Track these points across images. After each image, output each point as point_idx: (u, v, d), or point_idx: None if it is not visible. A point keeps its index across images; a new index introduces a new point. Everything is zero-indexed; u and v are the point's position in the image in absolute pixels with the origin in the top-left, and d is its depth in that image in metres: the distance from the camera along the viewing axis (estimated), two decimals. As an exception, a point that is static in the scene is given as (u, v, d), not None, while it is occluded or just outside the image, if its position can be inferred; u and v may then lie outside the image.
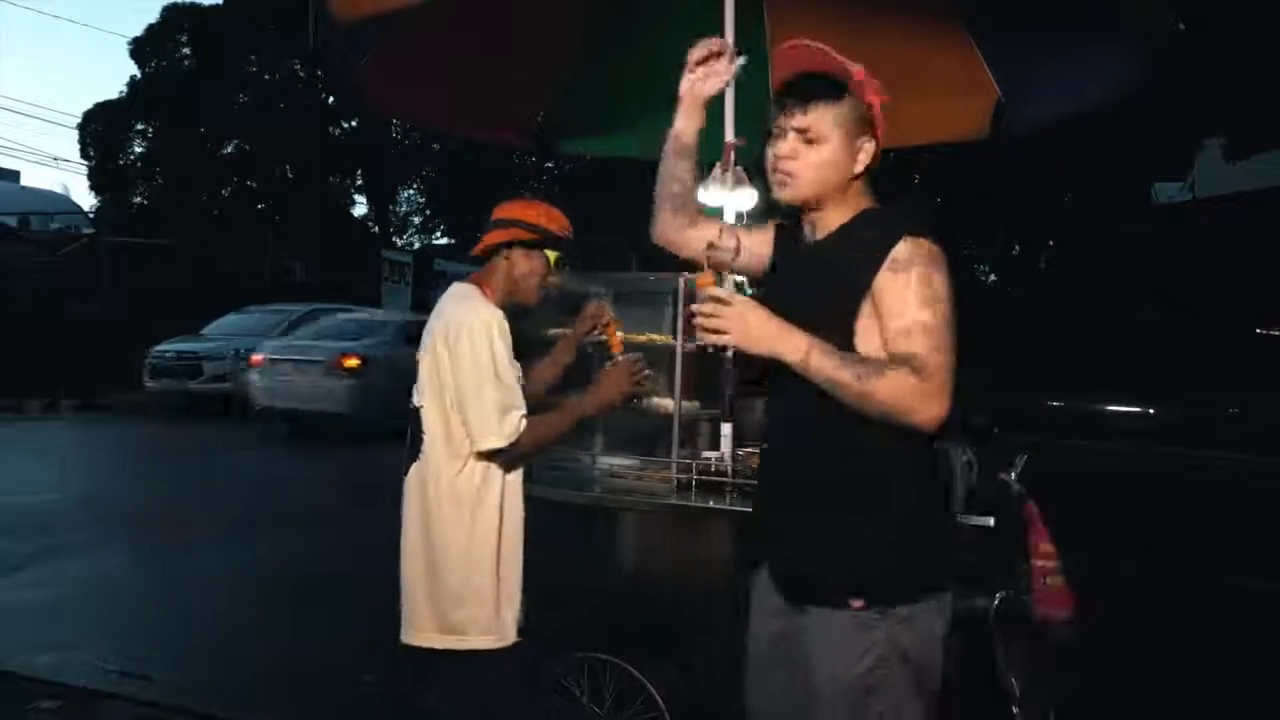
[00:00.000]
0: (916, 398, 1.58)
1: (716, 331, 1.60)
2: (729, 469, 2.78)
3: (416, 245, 31.93)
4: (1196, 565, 5.51)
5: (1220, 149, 11.99)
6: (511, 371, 2.18)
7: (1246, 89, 9.94)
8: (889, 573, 1.68)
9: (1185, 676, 4.04)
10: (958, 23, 3.43)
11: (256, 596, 5.16)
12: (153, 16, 31.84)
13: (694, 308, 1.60)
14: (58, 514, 6.84)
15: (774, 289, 1.86)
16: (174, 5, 27.15)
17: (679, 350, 2.89)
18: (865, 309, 1.66)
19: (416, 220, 33.02)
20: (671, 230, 2.03)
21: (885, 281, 1.63)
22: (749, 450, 2.92)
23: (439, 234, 33.27)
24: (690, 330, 1.69)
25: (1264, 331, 6.47)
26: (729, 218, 3.07)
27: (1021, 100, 3.51)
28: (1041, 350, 6.89)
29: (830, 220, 1.77)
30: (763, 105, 3.88)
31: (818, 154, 1.71)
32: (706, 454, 2.93)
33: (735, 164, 3.09)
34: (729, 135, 3.09)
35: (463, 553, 2.17)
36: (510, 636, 2.19)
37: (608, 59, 3.76)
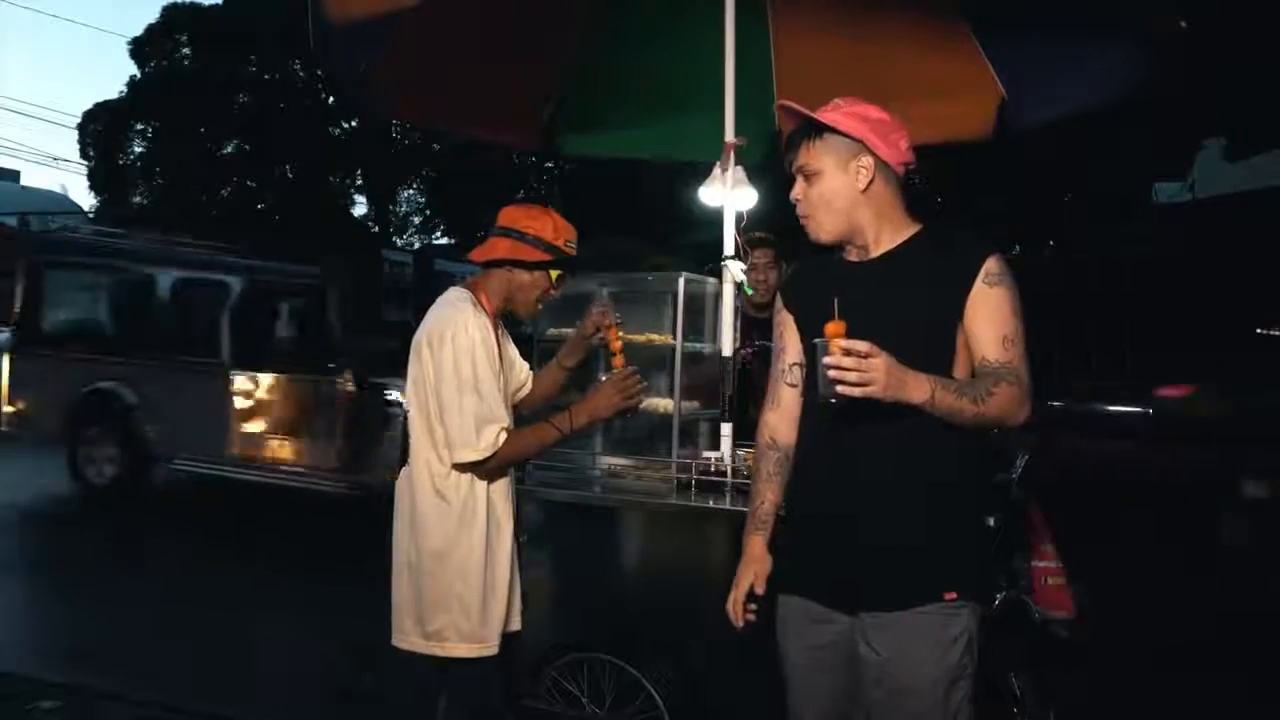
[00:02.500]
0: (1018, 405, 1.76)
1: (861, 385, 1.60)
2: (729, 469, 2.78)
3: (416, 245, 31.91)
4: (1196, 565, 5.51)
5: (1220, 149, 11.97)
6: (494, 383, 2.16)
7: (1246, 89, 9.93)
8: (975, 566, 1.85)
9: (1185, 676, 4.04)
10: (961, 23, 3.43)
11: (255, 597, 5.16)
12: (153, 16, 31.84)
13: (829, 360, 1.60)
14: (59, 513, 6.84)
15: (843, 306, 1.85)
16: (174, 5, 27.14)
17: (679, 350, 2.89)
18: (961, 320, 1.80)
19: (416, 220, 33.01)
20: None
21: (982, 293, 1.79)
22: (749, 450, 2.92)
23: (439, 234, 33.22)
24: (818, 381, 1.66)
25: (1264, 331, 6.47)
26: (729, 219, 3.06)
27: (1025, 100, 3.50)
28: (1042, 350, 6.87)
29: (883, 239, 1.88)
30: (762, 105, 3.88)
31: (818, 186, 1.86)
32: (706, 454, 2.92)
33: (735, 164, 3.08)
34: (729, 135, 3.09)
35: (446, 559, 2.16)
36: (492, 645, 2.19)
37: (610, 58, 3.76)
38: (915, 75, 3.43)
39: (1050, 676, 2.75)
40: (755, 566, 1.96)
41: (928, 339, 1.79)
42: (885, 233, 1.88)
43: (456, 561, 2.16)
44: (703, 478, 2.75)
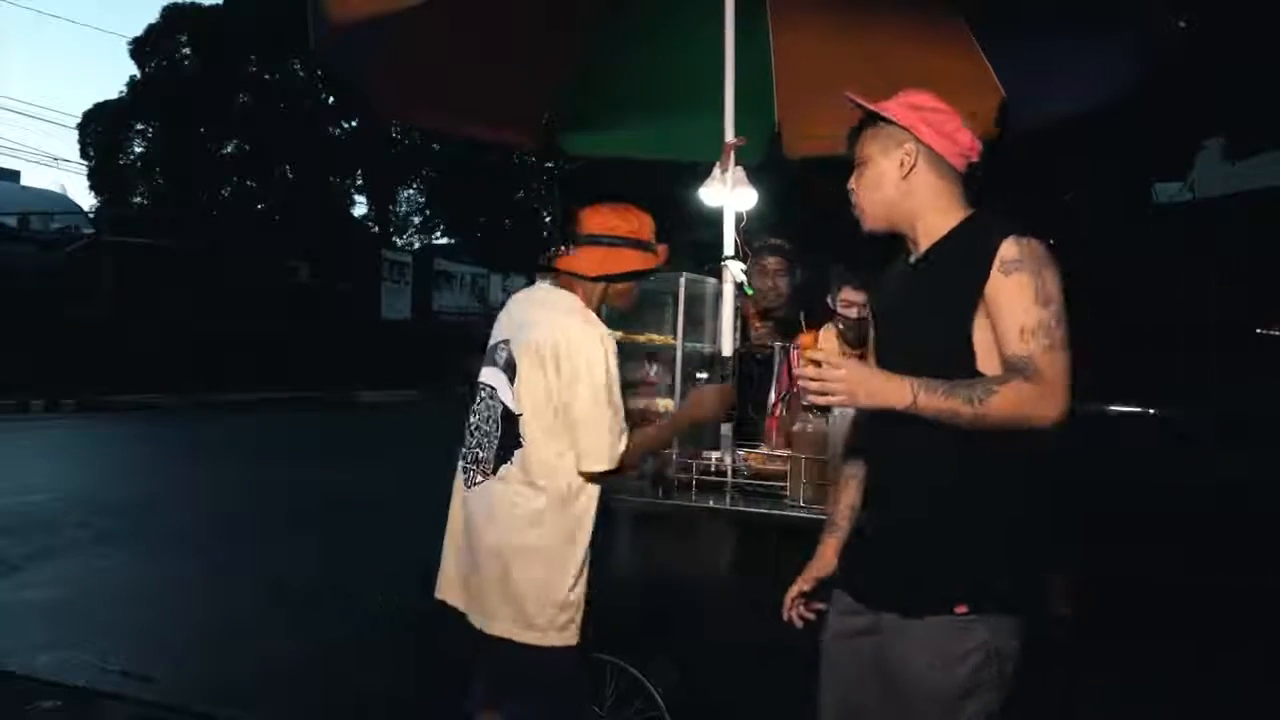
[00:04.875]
0: (1032, 404, 1.58)
1: (824, 394, 1.63)
2: (729, 469, 2.77)
3: (416, 245, 31.95)
4: (1196, 564, 5.52)
5: (1220, 149, 11.99)
6: (620, 393, 2.18)
7: (1246, 89, 9.94)
8: (997, 579, 1.71)
9: (1184, 676, 4.04)
10: (960, 22, 3.43)
11: (255, 597, 5.16)
12: (153, 16, 31.88)
13: (797, 371, 1.66)
14: (57, 514, 6.85)
15: (887, 315, 1.92)
16: (174, 5, 27.18)
17: (679, 350, 2.89)
18: (979, 314, 1.68)
19: (416, 220, 33.03)
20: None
21: (998, 283, 1.65)
22: (749, 450, 2.92)
23: (439, 234, 33.27)
24: (792, 389, 1.72)
25: (1264, 331, 6.47)
26: (729, 219, 3.06)
27: (1025, 100, 3.50)
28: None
29: (935, 232, 1.83)
30: (762, 106, 3.86)
31: (867, 175, 1.87)
32: (706, 454, 2.92)
33: (735, 164, 3.08)
34: (729, 135, 3.08)
35: (557, 554, 2.16)
36: (576, 636, 2.19)
37: (610, 58, 3.76)
38: (914, 75, 3.39)
39: (1050, 676, 2.75)
40: (814, 565, 1.98)
41: (947, 338, 1.72)
42: (937, 226, 1.82)
43: (567, 558, 2.17)
44: (703, 478, 2.75)
